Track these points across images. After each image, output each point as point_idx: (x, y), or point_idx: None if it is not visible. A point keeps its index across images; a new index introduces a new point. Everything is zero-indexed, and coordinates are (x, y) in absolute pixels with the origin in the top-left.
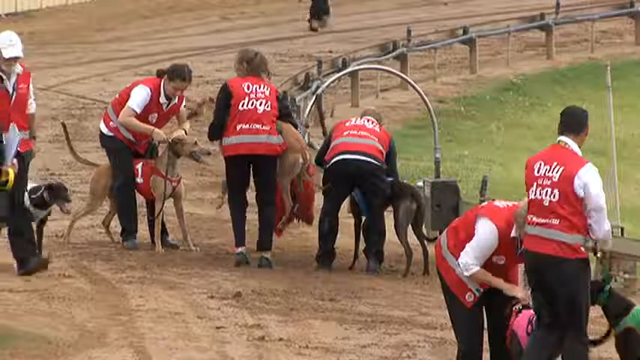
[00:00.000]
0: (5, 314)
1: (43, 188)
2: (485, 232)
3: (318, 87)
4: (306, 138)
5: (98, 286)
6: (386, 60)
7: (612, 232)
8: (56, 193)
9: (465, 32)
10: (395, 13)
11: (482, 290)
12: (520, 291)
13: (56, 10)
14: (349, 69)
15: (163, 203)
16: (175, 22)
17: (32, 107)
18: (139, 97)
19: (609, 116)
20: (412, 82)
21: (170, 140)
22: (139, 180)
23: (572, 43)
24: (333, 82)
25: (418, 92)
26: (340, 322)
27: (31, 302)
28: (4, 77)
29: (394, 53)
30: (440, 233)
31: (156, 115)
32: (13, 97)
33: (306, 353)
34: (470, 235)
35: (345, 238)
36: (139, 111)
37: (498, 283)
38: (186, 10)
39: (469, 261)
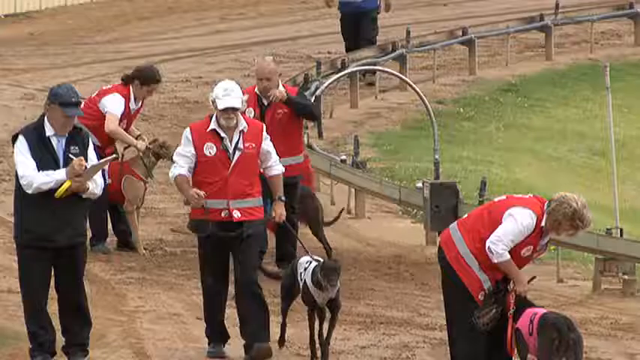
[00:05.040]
0: (5, 315)
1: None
2: (526, 217)
3: (317, 88)
4: (305, 139)
5: (97, 287)
6: (385, 61)
7: (612, 233)
8: (324, 273)
9: (464, 33)
10: (394, 14)
11: (491, 289)
12: (524, 285)
13: (56, 11)
14: (348, 70)
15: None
16: (174, 23)
17: (276, 168)
18: (118, 106)
19: (608, 117)
20: (411, 83)
21: (158, 143)
22: (108, 180)
23: (572, 44)
24: (332, 83)
25: (417, 93)
26: (339, 323)
27: None
28: (224, 134)
29: (393, 54)
30: (438, 234)
31: (125, 121)
32: (235, 158)
33: (306, 354)
34: None
35: (344, 239)
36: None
37: (516, 272)
38: (185, 11)
39: (502, 247)
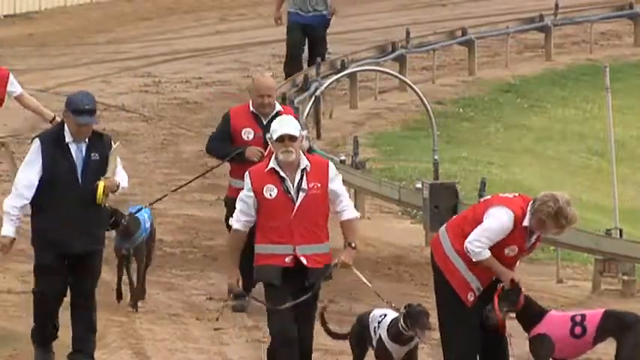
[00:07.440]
0: (5, 316)
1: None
2: (501, 216)
3: (316, 89)
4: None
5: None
6: (385, 62)
7: (612, 234)
8: (413, 320)
9: (464, 34)
10: (393, 15)
11: (482, 289)
12: (509, 276)
13: (55, 12)
14: (348, 70)
15: None
16: (174, 23)
17: (347, 212)
18: None
19: (608, 117)
20: (411, 84)
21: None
22: None
23: (571, 45)
24: (331, 83)
25: (417, 94)
26: (339, 324)
27: (30, 304)
28: (285, 174)
29: (393, 55)
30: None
31: None
32: (298, 200)
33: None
34: None
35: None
36: None
37: (498, 267)
38: (184, 12)
39: (479, 244)
